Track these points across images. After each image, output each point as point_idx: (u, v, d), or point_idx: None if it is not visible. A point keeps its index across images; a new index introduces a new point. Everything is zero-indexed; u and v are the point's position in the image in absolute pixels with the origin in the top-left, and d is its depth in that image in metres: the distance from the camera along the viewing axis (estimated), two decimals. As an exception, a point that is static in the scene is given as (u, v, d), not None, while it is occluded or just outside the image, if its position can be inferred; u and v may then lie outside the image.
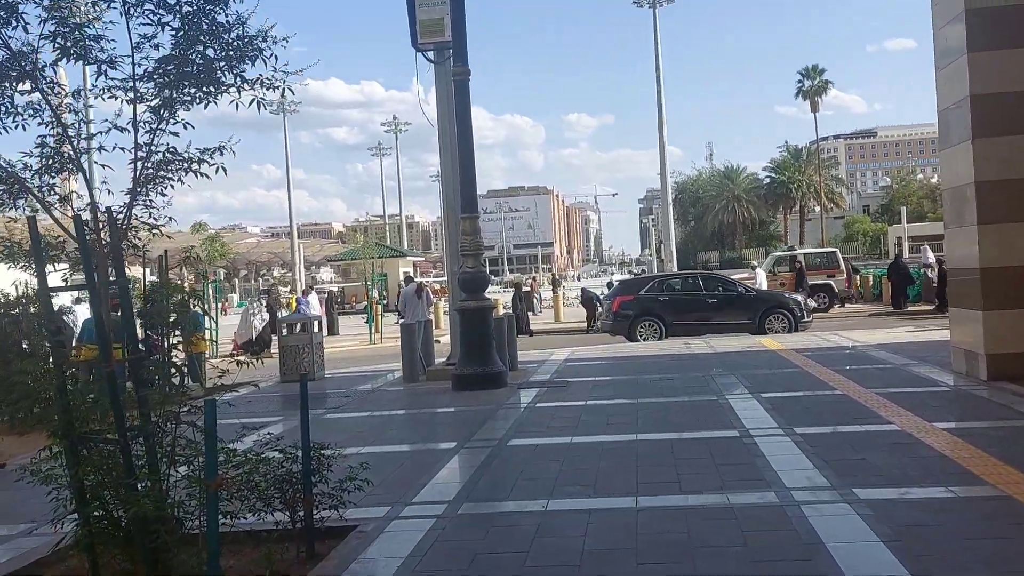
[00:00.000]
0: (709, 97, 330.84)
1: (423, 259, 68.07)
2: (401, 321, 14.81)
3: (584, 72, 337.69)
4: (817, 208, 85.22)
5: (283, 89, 6.09)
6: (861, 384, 10.89)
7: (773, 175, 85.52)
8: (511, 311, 27.08)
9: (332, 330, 30.21)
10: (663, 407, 10.20)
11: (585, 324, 26.81)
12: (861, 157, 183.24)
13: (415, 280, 16.61)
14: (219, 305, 23.15)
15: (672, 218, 57.53)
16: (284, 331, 15.65)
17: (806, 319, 19.87)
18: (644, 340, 19.45)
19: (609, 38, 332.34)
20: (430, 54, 14.21)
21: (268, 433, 6.28)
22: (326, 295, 33.64)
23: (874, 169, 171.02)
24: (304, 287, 47.09)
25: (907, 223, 59.58)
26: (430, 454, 8.35)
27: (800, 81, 78.41)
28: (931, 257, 26.28)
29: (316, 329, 15.74)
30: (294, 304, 32.59)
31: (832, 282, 26.64)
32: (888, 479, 6.44)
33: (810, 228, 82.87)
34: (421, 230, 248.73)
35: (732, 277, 23.42)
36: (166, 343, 5.74)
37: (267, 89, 6.06)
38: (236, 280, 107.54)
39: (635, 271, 44.84)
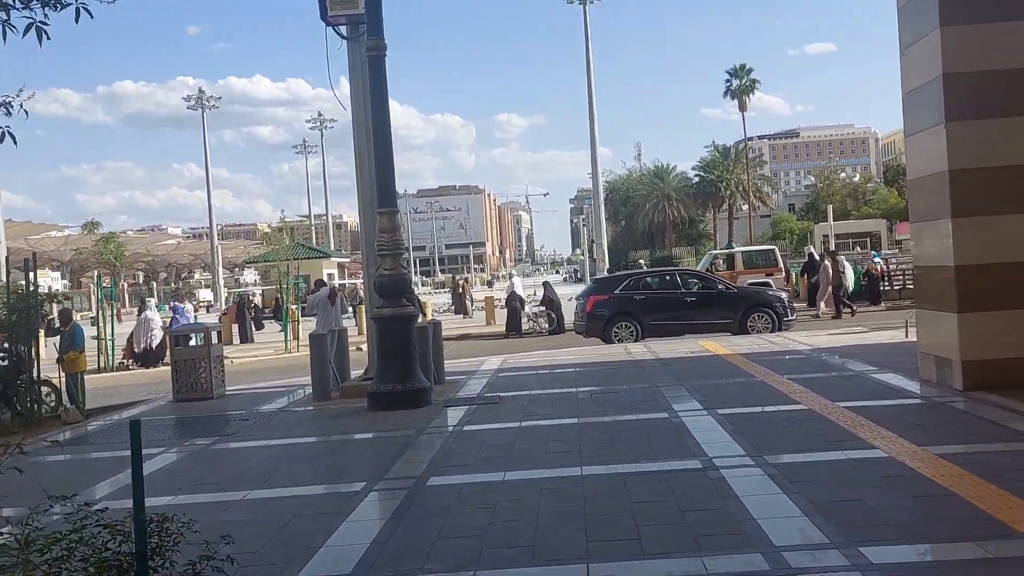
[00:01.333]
0: (637, 98, 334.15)
1: (349, 260, 65.67)
2: (311, 331, 13.13)
3: (515, 72, 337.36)
4: (745, 207, 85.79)
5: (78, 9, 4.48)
6: (825, 396, 9.73)
7: (702, 174, 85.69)
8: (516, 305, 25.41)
9: (245, 338, 28.22)
10: (609, 429, 8.85)
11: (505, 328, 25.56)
12: (785, 157, 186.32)
13: (327, 284, 14.93)
14: (113, 311, 20.82)
15: (604, 218, 56.81)
16: (178, 342, 13.84)
17: (790, 318, 18.78)
18: (620, 341, 18.17)
19: (540, 37, 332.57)
20: (342, 29, 12.65)
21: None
22: (239, 301, 31.50)
23: (797, 169, 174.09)
24: (178, 293, 44.37)
25: (833, 221, 59.97)
26: (330, 501, 6.81)
27: (728, 80, 78.74)
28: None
29: (215, 340, 13.97)
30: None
31: (771, 280, 25.75)
32: (899, 531, 5.17)
33: (738, 227, 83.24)
34: (350, 230, 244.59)
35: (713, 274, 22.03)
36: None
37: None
38: (154, 284, 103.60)
39: (567, 271, 43.34)
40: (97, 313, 20.90)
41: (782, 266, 27.44)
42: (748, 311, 18.37)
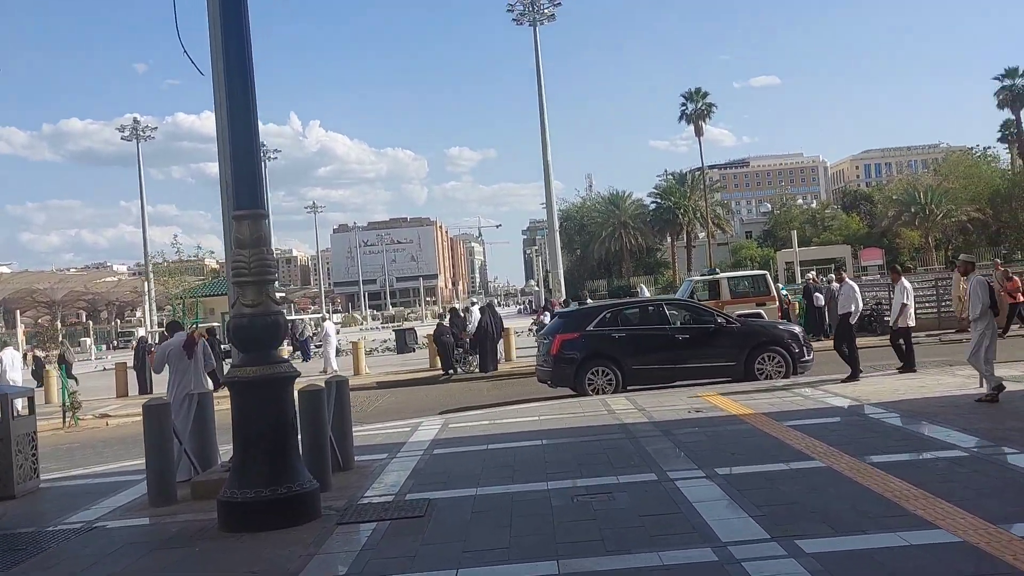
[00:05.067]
0: (583, 130, 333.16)
1: (283, 293, 61.00)
2: (147, 400, 8.86)
3: (465, 106, 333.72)
4: (702, 234, 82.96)
5: None
6: (973, 510, 5.86)
7: (659, 201, 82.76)
8: (449, 340, 21.49)
9: (144, 388, 23.60)
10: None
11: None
12: (736, 186, 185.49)
13: (184, 327, 10.70)
14: None
15: (559, 247, 53.45)
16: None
17: (806, 358, 14.76)
18: (596, 392, 14.05)
19: (490, 68, 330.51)
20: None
21: None
22: (138, 344, 26.79)
23: (748, 198, 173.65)
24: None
25: (798, 247, 57.19)
26: None
27: (684, 104, 76.13)
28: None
29: (20, 410, 9.69)
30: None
31: (762, 311, 21.94)
32: None
33: (696, 254, 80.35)
34: (300, 264, 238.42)
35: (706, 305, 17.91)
36: None
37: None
38: (91, 323, 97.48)
39: (523, 301, 39.07)
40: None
41: (774, 294, 23.60)
42: (755, 351, 14.44)
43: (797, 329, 15.65)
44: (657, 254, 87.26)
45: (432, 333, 23.22)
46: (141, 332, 66.86)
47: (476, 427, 11.68)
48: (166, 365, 9.56)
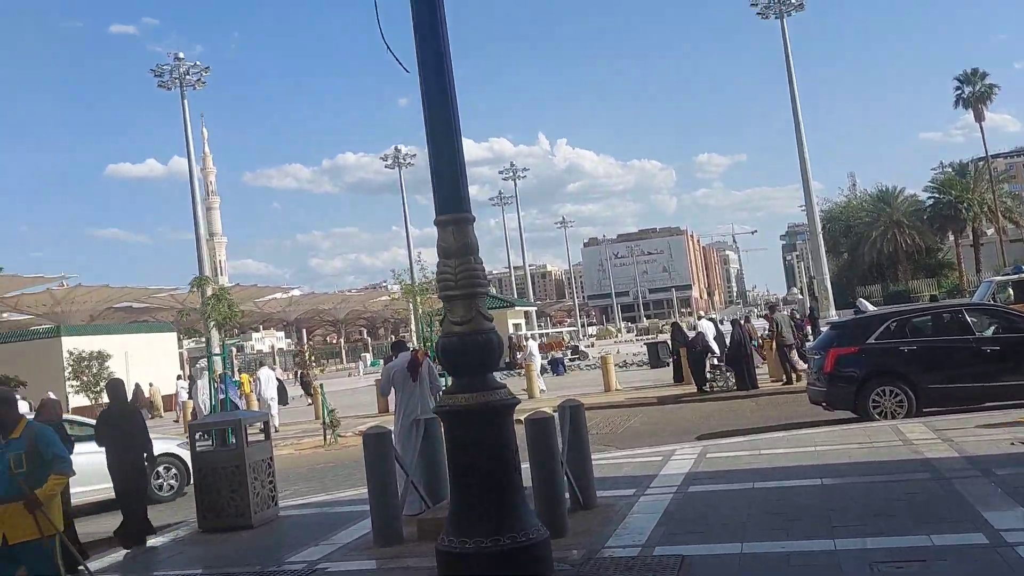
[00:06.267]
0: (843, 127, 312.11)
1: (534, 308, 61.58)
2: (367, 429, 8.19)
3: (711, 112, 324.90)
4: (990, 231, 73.81)
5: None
6: None
7: (937, 195, 74.57)
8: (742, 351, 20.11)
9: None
10: None
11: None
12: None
13: (407, 347, 9.98)
14: (226, 381, 16.15)
15: (823, 251, 49.54)
16: (198, 439, 9.33)
17: None
18: (884, 416, 11.90)
19: (734, 73, 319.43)
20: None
21: None
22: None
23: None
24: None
25: None
26: None
27: (959, 88, 68.42)
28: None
29: (259, 436, 9.45)
30: (246, 385, 26.04)
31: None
32: None
33: (984, 253, 71.48)
34: (554, 279, 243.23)
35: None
36: None
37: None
38: (369, 339, 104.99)
39: (789, 309, 35.97)
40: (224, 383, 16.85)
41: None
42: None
43: None
44: (938, 254, 78.92)
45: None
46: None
47: (738, 459, 10.07)
48: (392, 388, 8.94)
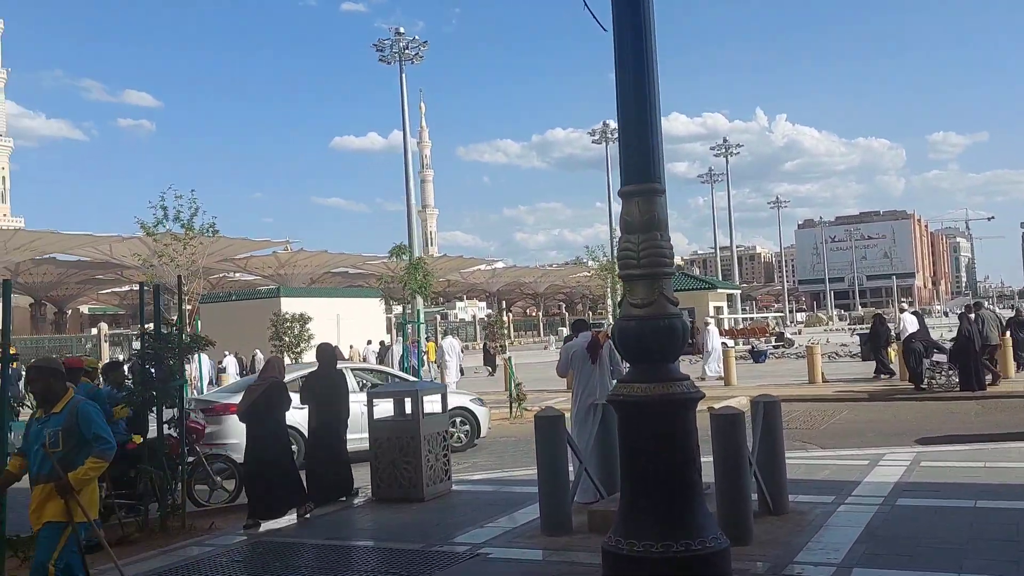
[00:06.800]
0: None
1: (738, 291, 59.17)
2: (539, 411, 7.79)
3: (947, 88, 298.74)
4: None
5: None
6: None
7: None
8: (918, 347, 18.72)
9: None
10: None
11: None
12: None
13: (590, 326, 9.48)
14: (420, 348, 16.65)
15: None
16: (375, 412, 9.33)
17: None
18: None
19: (973, 44, 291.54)
20: None
21: None
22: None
23: None
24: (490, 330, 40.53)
25: None
26: None
27: None
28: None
29: (435, 408, 9.34)
30: (431, 352, 26.12)
31: None
32: None
33: None
34: (763, 261, 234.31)
35: None
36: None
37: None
38: (567, 314, 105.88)
39: (1015, 307, 32.04)
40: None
41: None
42: None
43: None
44: None
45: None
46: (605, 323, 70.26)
47: (959, 470, 8.86)
48: (570, 370, 8.52)
